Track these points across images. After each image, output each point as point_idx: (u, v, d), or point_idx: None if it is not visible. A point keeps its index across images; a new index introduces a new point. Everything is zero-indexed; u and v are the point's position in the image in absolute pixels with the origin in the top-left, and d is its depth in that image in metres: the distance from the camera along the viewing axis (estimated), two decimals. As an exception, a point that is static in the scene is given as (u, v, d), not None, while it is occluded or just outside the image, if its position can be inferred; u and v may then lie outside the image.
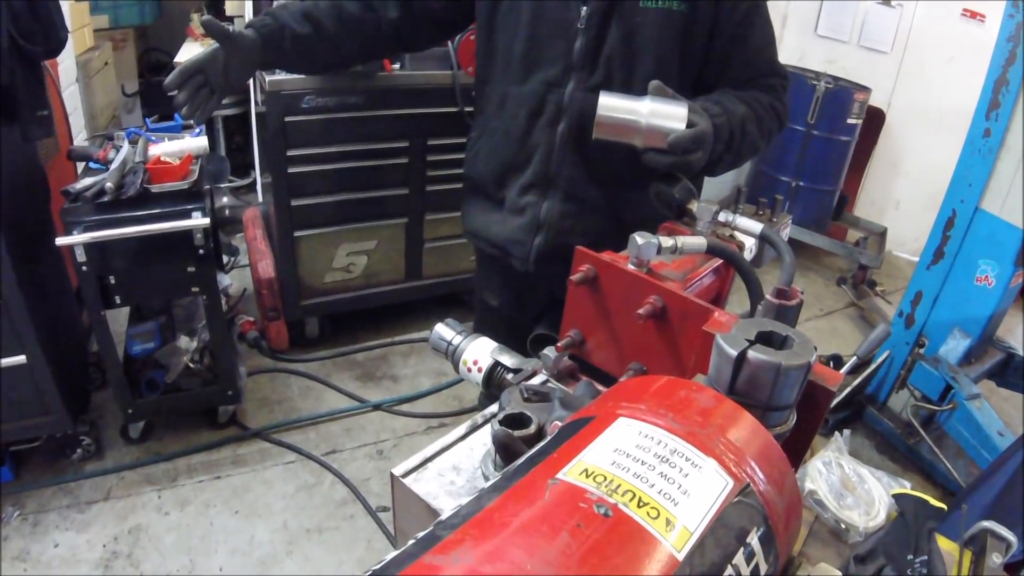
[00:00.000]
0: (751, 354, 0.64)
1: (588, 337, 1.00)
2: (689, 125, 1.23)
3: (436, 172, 3.22)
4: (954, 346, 3.07)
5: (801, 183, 4.93)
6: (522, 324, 1.65)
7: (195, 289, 2.55)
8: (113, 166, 2.32)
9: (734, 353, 0.64)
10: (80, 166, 2.74)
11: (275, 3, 2.78)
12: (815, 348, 0.66)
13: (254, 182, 4.84)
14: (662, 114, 1.23)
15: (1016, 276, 2.96)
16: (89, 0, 4.14)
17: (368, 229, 3.24)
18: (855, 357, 1.12)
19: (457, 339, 1.10)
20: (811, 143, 4.82)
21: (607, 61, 1.48)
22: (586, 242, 0.99)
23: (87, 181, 2.31)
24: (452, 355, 1.09)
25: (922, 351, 3.16)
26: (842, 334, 4.26)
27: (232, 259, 3.63)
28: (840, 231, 5.33)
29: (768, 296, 0.82)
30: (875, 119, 5.18)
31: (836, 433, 2.37)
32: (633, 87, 1.43)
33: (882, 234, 5.16)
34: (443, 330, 1.12)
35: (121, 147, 2.41)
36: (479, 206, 1.76)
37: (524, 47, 1.54)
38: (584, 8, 1.46)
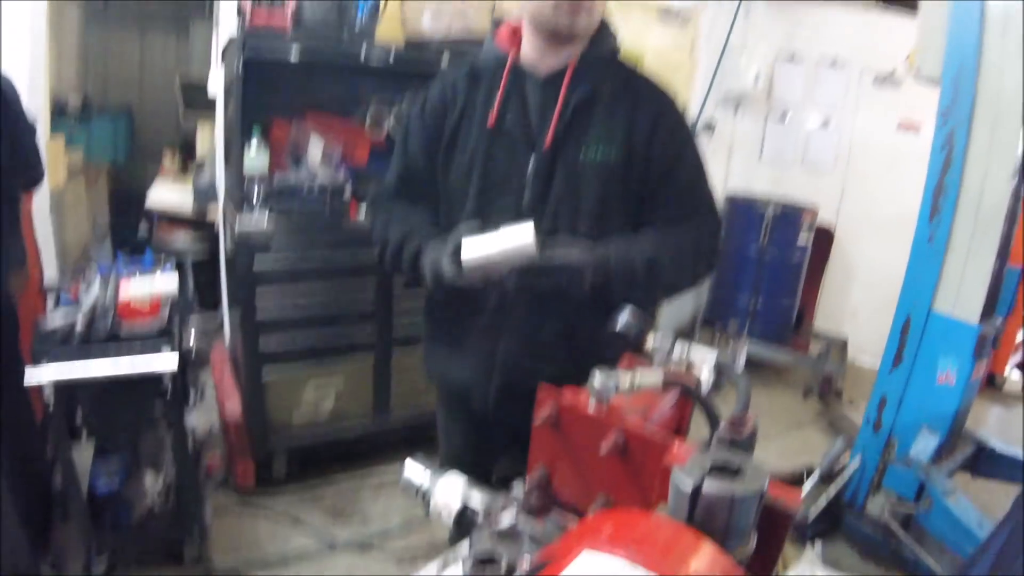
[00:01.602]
0: (706, 486, 0.68)
1: (554, 473, 1.03)
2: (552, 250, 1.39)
3: (402, 306, 3.28)
4: (924, 445, 3.11)
5: (759, 303, 5.10)
6: (485, 461, 1.70)
7: (162, 427, 2.55)
8: (85, 306, 2.36)
9: (690, 486, 0.68)
10: (51, 299, 2.75)
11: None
12: (767, 475, 0.70)
13: (221, 322, 4.85)
14: (510, 236, 1.40)
15: (976, 369, 3.06)
16: (64, 135, 4.25)
17: (336, 366, 3.26)
18: (817, 471, 1.16)
19: (426, 481, 1.12)
20: (765, 264, 5.03)
21: (553, 210, 1.61)
22: (544, 380, 1.05)
23: (58, 319, 2.32)
24: (423, 497, 1.11)
25: (893, 453, 3.19)
26: (813, 445, 4.29)
27: (199, 397, 3.61)
28: (802, 345, 5.47)
29: (722, 427, 0.87)
30: (825, 235, 5.44)
31: (808, 544, 2.36)
32: (578, 233, 1.56)
33: (843, 344, 5.31)
34: (412, 471, 1.14)
35: (93, 285, 2.45)
36: (439, 349, 1.83)
37: (475, 203, 1.66)
38: (530, 165, 1.61)
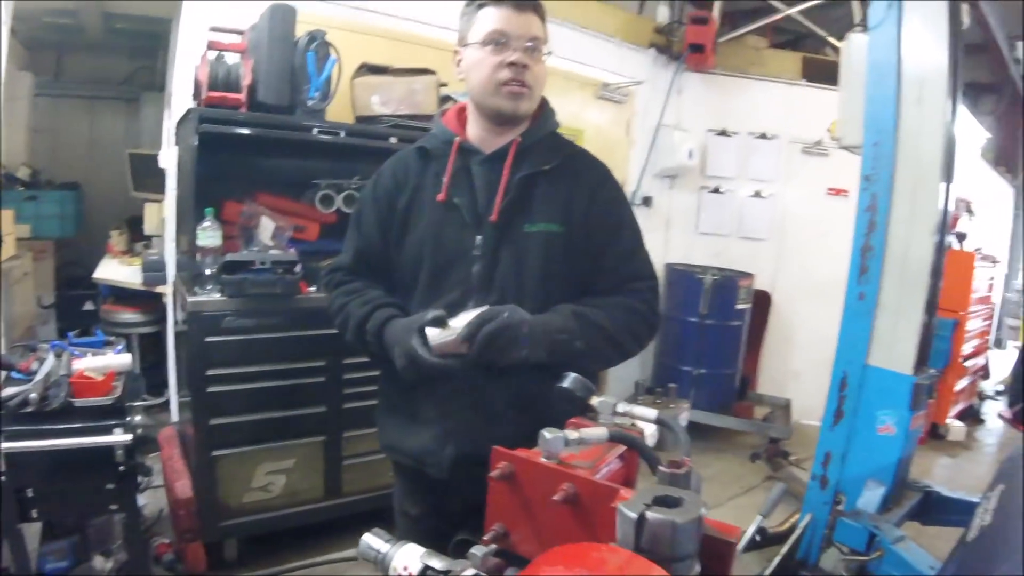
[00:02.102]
0: (649, 515, 0.75)
1: (512, 529, 1.08)
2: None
3: (353, 390, 3.29)
4: (870, 496, 3.18)
5: (702, 370, 5.24)
6: (442, 531, 1.69)
7: (114, 507, 2.48)
8: (37, 377, 2.33)
9: (634, 516, 0.75)
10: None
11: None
12: (704, 504, 0.78)
13: (168, 401, 4.77)
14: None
15: (915, 419, 3.16)
16: (12, 209, 4.24)
17: (287, 447, 3.22)
18: (760, 517, 1.23)
19: (385, 547, 1.15)
20: (706, 332, 5.18)
21: (501, 282, 1.71)
22: (497, 445, 1.11)
23: (10, 390, 2.29)
24: (381, 563, 1.14)
25: (841, 507, 3.25)
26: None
27: (146, 479, 3.52)
28: (747, 410, 5.61)
29: (661, 467, 0.94)
30: (763, 300, 5.65)
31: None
32: (524, 302, 1.65)
33: (786, 406, 5.46)
34: (371, 539, 1.17)
35: (46, 359, 2.43)
36: (393, 421, 1.89)
37: (428, 275, 1.76)
38: (478, 238, 1.72)
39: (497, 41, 1.68)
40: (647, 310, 1.75)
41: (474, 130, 1.81)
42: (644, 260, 1.81)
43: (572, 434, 1.06)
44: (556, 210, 1.73)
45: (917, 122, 3.14)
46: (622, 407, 1.25)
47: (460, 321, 1.54)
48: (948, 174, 3.18)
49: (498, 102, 1.70)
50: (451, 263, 1.74)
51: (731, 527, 0.88)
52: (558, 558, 0.74)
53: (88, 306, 5.63)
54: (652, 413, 1.23)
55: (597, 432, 1.09)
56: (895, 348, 3.19)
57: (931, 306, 3.23)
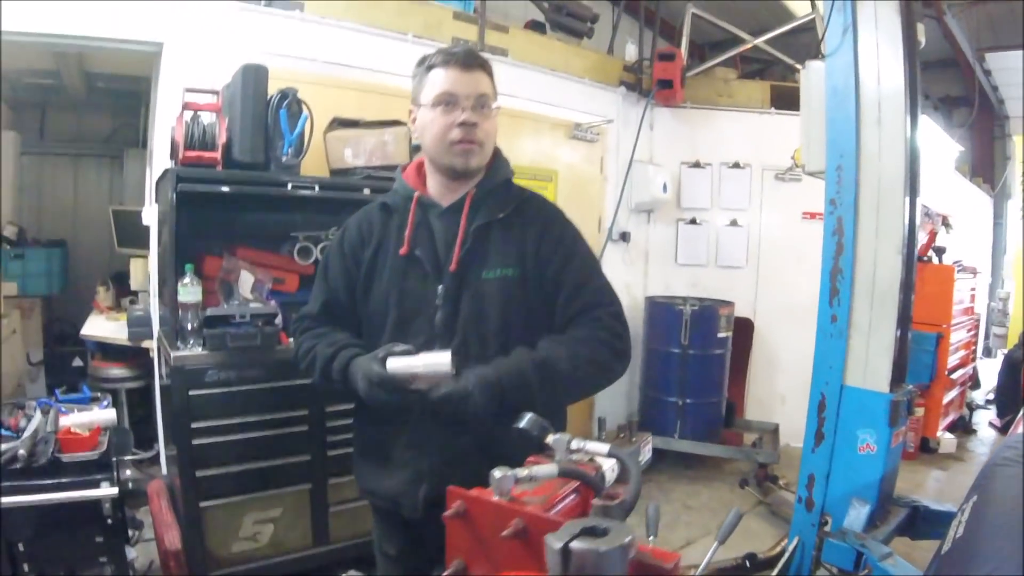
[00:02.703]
0: (573, 545, 0.81)
1: (471, 565, 1.13)
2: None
3: (336, 437, 3.30)
4: (856, 515, 3.22)
5: (687, 400, 5.27)
6: (419, 569, 1.83)
7: (103, 559, 2.53)
8: (25, 434, 2.41)
9: (558, 546, 0.81)
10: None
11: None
12: (631, 533, 0.83)
13: (157, 455, 4.79)
14: (432, 362, 1.61)
15: (895, 435, 3.23)
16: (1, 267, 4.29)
17: (273, 497, 3.23)
18: (716, 542, 1.28)
19: None
20: (688, 362, 5.24)
21: (463, 327, 1.81)
22: (466, 485, 1.17)
23: None
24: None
25: (827, 528, 3.28)
26: (755, 533, 4.37)
27: (137, 532, 3.55)
28: (736, 437, 5.63)
29: (594, 500, 1.00)
30: (745, 327, 5.71)
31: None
32: (487, 345, 1.78)
33: (774, 430, 5.48)
34: None
35: (33, 416, 2.50)
36: (368, 464, 1.99)
37: (393, 324, 1.86)
38: (440, 287, 1.82)
39: (447, 102, 1.79)
40: (609, 336, 1.81)
41: (432, 184, 1.93)
42: (600, 288, 1.89)
43: (522, 472, 1.11)
44: (511, 255, 1.83)
45: (877, 143, 3.26)
46: (576, 443, 1.30)
47: (422, 359, 1.62)
48: (913, 190, 3.27)
49: (451, 159, 1.82)
50: (415, 312, 1.85)
51: (670, 554, 0.93)
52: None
53: (77, 362, 5.67)
54: (604, 448, 1.28)
55: (546, 468, 1.14)
56: (870, 367, 3.27)
57: (904, 322, 3.30)
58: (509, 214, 1.87)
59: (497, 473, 1.09)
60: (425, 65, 1.85)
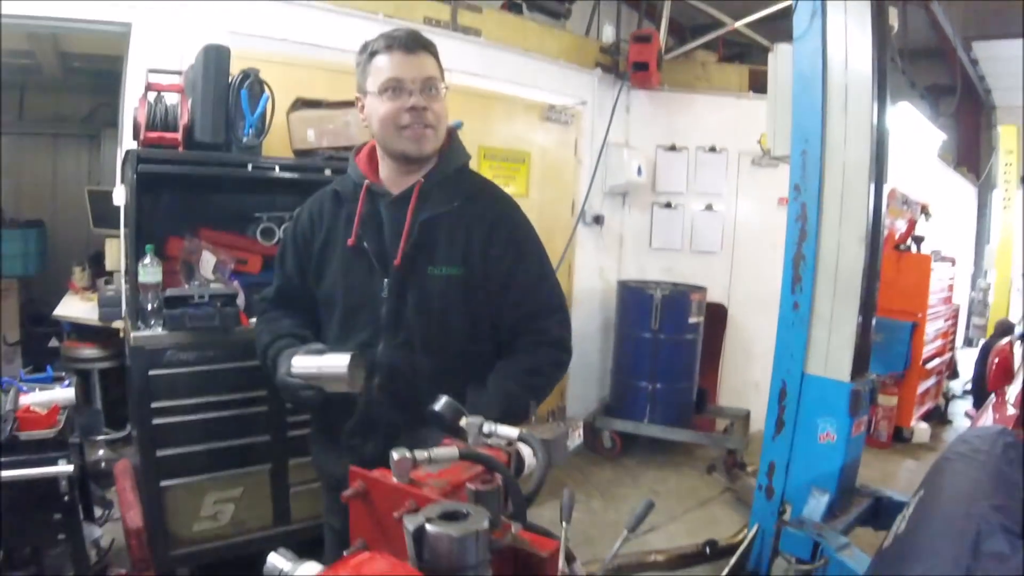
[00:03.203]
0: (428, 528, 0.81)
1: (372, 545, 1.13)
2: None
3: (296, 418, 3.29)
4: (815, 504, 3.23)
5: (658, 385, 5.29)
6: None
7: (61, 536, 2.56)
8: (-17, 413, 2.41)
9: (412, 527, 0.81)
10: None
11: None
12: (488, 517, 0.83)
13: (130, 435, 4.80)
14: (331, 360, 1.64)
15: (856, 425, 3.24)
16: None
17: (233, 477, 3.24)
18: (625, 531, 1.28)
19: (288, 566, 1.18)
20: (660, 347, 5.24)
21: (408, 321, 1.83)
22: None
23: None
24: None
25: (786, 517, 3.30)
26: (719, 519, 4.42)
27: (106, 512, 3.61)
28: (708, 423, 5.66)
29: (468, 484, 1.00)
30: (718, 313, 5.71)
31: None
32: (431, 341, 1.81)
33: (746, 417, 5.52)
34: (276, 559, 1.20)
35: (-4, 394, 2.51)
36: (320, 445, 2.08)
37: (341, 315, 1.90)
38: (385, 280, 1.83)
39: (393, 88, 1.77)
40: (556, 352, 1.87)
41: (384, 170, 1.92)
42: (549, 291, 1.92)
43: (422, 454, 1.12)
44: (456, 253, 1.83)
45: (843, 129, 3.24)
46: (487, 427, 1.31)
47: (323, 360, 1.66)
48: (879, 178, 3.26)
49: (402, 145, 1.81)
50: (362, 305, 1.87)
51: (548, 541, 0.94)
52: (343, 566, 0.80)
53: (53, 343, 5.66)
54: (514, 432, 1.28)
55: (446, 451, 1.15)
56: (831, 356, 3.27)
57: (867, 310, 3.31)
58: (459, 206, 1.85)
59: (395, 455, 1.09)
60: (368, 51, 1.82)
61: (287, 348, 1.81)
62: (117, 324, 4.38)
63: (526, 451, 1.35)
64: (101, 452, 4.64)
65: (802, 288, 3.33)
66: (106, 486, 4.16)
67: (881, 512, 3.44)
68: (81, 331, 5.04)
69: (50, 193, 7.18)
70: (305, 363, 1.67)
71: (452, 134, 1.95)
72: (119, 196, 4.01)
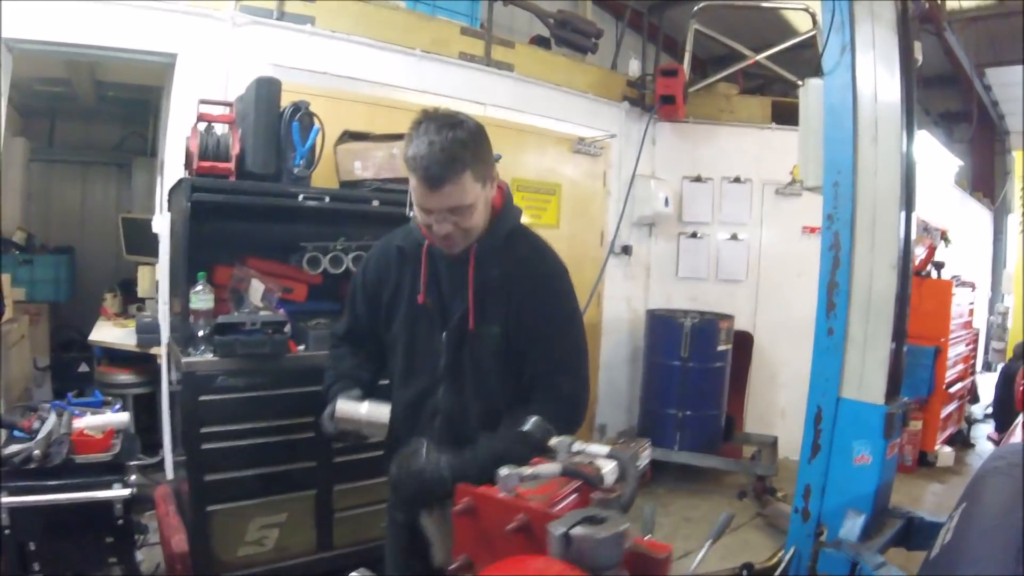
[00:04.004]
0: (574, 531, 0.88)
1: (476, 559, 1.19)
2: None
3: (342, 445, 3.27)
4: (851, 526, 3.25)
5: (687, 412, 5.32)
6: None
7: (113, 560, 2.59)
8: (40, 435, 2.47)
9: (560, 532, 0.88)
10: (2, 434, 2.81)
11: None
12: (626, 522, 0.90)
13: (161, 461, 4.84)
14: (375, 414, 1.97)
15: (890, 447, 3.27)
16: (8, 273, 4.36)
17: (279, 502, 3.28)
18: (708, 542, 1.34)
19: None
20: (688, 375, 5.28)
21: (464, 372, 2.03)
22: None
23: (14, 448, 2.43)
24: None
25: (823, 538, 3.31)
26: (752, 545, 4.42)
27: (142, 536, 3.61)
28: (735, 450, 5.68)
29: (594, 493, 1.07)
30: (745, 341, 5.75)
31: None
32: (481, 389, 2.02)
33: (773, 443, 5.53)
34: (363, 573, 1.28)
35: (47, 418, 2.56)
36: (392, 449, 2.13)
37: (404, 361, 2.13)
38: (444, 334, 2.03)
39: (422, 210, 1.91)
40: (566, 409, 1.97)
41: None
42: (565, 353, 2.04)
43: (526, 471, 1.18)
44: (499, 314, 1.99)
45: (873, 160, 3.31)
46: (577, 446, 1.37)
47: (365, 408, 1.98)
48: (908, 205, 3.34)
49: (437, 244, 1.98)
50: (423, 354, 2.09)
51: (662, 546, 1.00)
52: (501, 568, 0.86)
53: (83, 368, 5.74)
54: (604, 449, 1.34)
55: (549, 468, 1.21)
56: (865, 380, 3.32)
57: (899, 336, 3.36)
58: (506, 271, 2.00)
59: (503, 471, 1.15)
60: (405, 159, 1.88)
61: (342, 391, 2.09)
62: (155, 350, 4.46)
63: (606, 468, 1.41)
64: (133, 477, 4.68)
65: (836, 314, 3.37)
66: (139, 511, 4.20)
67: (913, 532, 3.48)
68: (113, 356, 5.12)
69: (79, 220, 7.29)
70: (349, 410, 1.96)
71: (505, 194, 2.07)
72: (159, 224, 4.12)
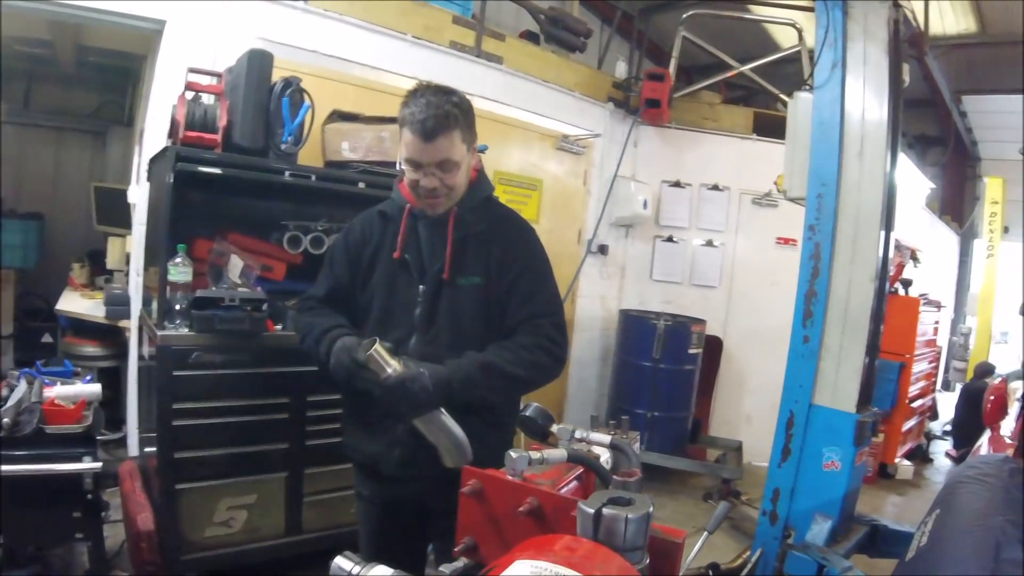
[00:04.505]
0: (605, 510, 0.89)
1: (481, 542, 1.18)
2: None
3: (315, 427, 3.32)
4: (818, 530, 3.32)
5: (656, 413, 5.37)
6: (390, 508, 2.27)
7: (80, 535, 2.55)
8: (9, 403, 2.40)
9: (591, 511, 0.88)
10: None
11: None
12: (651, 503, 0.91)
13: (125, 436, 4.74)
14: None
15: (859, 455, 3.34)
16: None
17: (249, 483, 3.23)
18: (706, 532, 1.36)
19: (356, 569, 1.22)
20: (659, 376, 5.33)
21: (438, 322, 2.12)
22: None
23: None
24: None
25: (791, 541, 3.37)
26: (717, 546, 4.45)
27: (104, 513, 3.53)
28: (700, 452, 5.74)
29: (615, 476, 1.07)
30: (714, 346, 5.82)
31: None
32: (455, 338, 2.09)
33: (738, 448, 5.60)
34: (342, 561, 1.23)
35: (16, 385, 2.48)
36: (354, 428, 2.29)
37: (379, 315, 2.19)
38: (421, 287, 2.13)
39: (413, 165, 2.04)
40: (548, 343, 2.08)
41: None
42: (546, 299, 2.17)
43: (535, 454, 1.18)
44: (480, 266, 2.12)
45: (858, 175, 3.37)
46: (579, 433, 1.37)
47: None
48: (888, 223, 3.40)
49: (420, 204, 2.12)
50: (399, 306, 2.16)
51: (677, 531, 1.01)
52: (528, 545, 0.86)
53: (47, 338, 5.61)
54: (606, 438, 1.35)
55: (557, 453, 1.21)
56: (839, 388, 3.38)
57: (872, 348, 3.42)
58: (483, 230, 2.15)
59: (513, 454, 1.15)
60: (401, 119, 2.04)
61: (347, 336, 2.09)
62: (124, 323, 4.37)
63: (603, 456, 1.42)
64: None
65: (813, 323, 3.43)
66: (101, 487, 4.11)
67: (878, 540, 3.56)
68: (79, 328, 5.00)
69: (51, 186, 7.11)
70: (449, 421, 1.92)
71: (480, 169, 2.25)
72: (135, 194, 4.03)
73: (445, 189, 2.06)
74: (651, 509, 0.92)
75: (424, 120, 1.96)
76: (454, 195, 2.11)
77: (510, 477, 1.14)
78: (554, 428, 1.40)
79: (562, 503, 1.08)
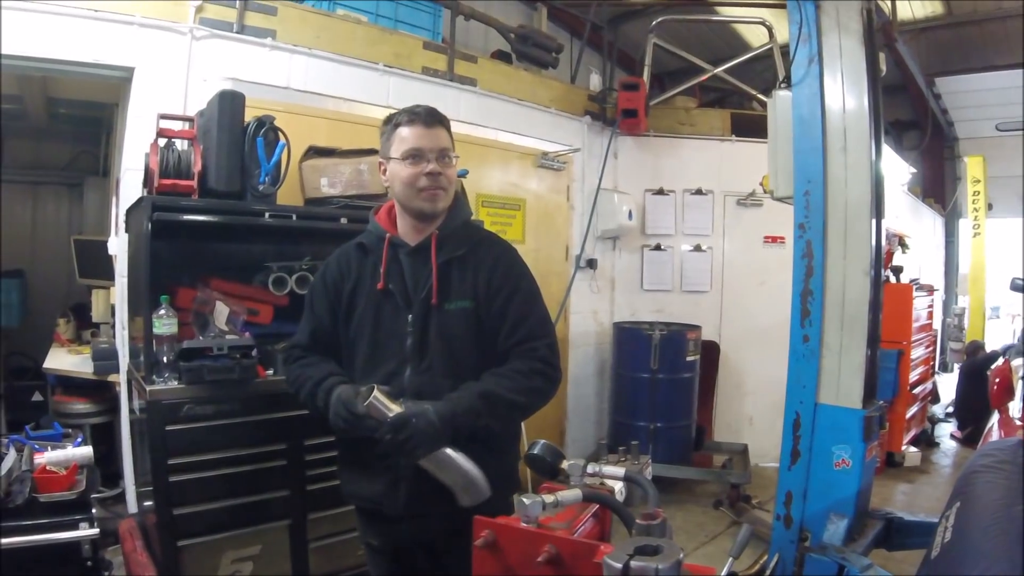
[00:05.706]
0: (633, 563, 0.82)
1: (498, 593, 1.12)
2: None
3: (315, 471, 3.24)
4: (834, 529, 3.25)
5: (658, 424, 5.31)
6: (398, 556, 2.19)
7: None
8: (1, 472, 2.31)
9: (619, 567, 0.82)
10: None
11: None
12: (681, 549, 0.85)
13: (123, 492, 4.64)
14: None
15: (869, 450, 3.27)
16: None
17: (252, 533, 3.14)
18: (731, 559, 1.30)
19: None
20: (658, 386, 5.28)
21: (431, 349, 2.07)
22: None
23: None
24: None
25: (807, 544, 3.30)
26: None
27: (106, 574, 3.44)
28: (706, 459, 5.68)
29: (638, 520, 1.01)
30: (711, 350, 5.77)
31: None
32: (449, 365, 2.06)
33: (743, 451, 5.55)
34: None
35: (7, 454, 2.41)
36: (352, 472, 2.21)
37: (368, 349, 2.14)
38: (410, 316, 2.09)
39: (414, 156, 2.06)
40: (544, 366, 2.05)
41: (401, 226, 2.20)
42: (537, 322, 2.13)
43: (548, 497, 1.12)
44: (467, 289, 2.10)
45: (843, 169, 3.33)
46: (591, 468, 1.32)
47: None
48: (878, 212, 3.37)
49: (419, 204, 2.10)
50: (388, 338, 2.12)
51: (707, 569, 0.95)
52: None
53: (37, 397, 5.51)
54: (620, 471, 1.29)
55: (572, 494, 1.15)
56: (842, 385, 3.32)
57: (873, 340, 3.38)
58: (466, 253, 2.14)
59: (525, 500, 1.09)
60: (392, 123, 2.12)
61: (342, 384, 2.05)
62: (113, 378, 4.28)
63: (616, 488, 1.37)
64: (94, 511, 4.49)
65: (811, 322, 3.38)
66: (103, 545, 4.01)
67: (893, 533, 3.50)
68: (68, 385, 4.91)
69: (29, 242, 7.02)
70: (459, 457, 1.86)
71: (457, 194, 2.25)
72: (115, 246, 3.95)
73: (446, 180, 2.10)
74: (682, 556, 0.86)
75: (422, 112, 2.08)
76: (450, 194, 2.14)
77: (524, 524, 1.09)
78: (564, 465, 1.34)
79: (581, 549, 1.03)
